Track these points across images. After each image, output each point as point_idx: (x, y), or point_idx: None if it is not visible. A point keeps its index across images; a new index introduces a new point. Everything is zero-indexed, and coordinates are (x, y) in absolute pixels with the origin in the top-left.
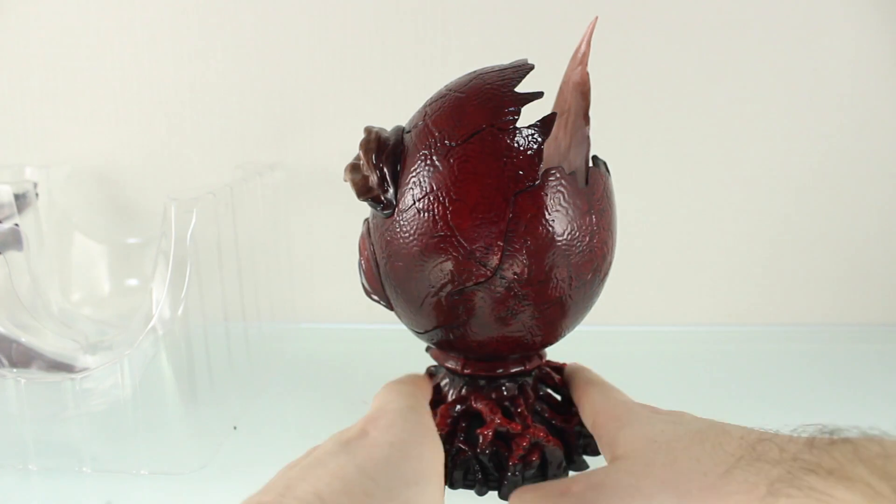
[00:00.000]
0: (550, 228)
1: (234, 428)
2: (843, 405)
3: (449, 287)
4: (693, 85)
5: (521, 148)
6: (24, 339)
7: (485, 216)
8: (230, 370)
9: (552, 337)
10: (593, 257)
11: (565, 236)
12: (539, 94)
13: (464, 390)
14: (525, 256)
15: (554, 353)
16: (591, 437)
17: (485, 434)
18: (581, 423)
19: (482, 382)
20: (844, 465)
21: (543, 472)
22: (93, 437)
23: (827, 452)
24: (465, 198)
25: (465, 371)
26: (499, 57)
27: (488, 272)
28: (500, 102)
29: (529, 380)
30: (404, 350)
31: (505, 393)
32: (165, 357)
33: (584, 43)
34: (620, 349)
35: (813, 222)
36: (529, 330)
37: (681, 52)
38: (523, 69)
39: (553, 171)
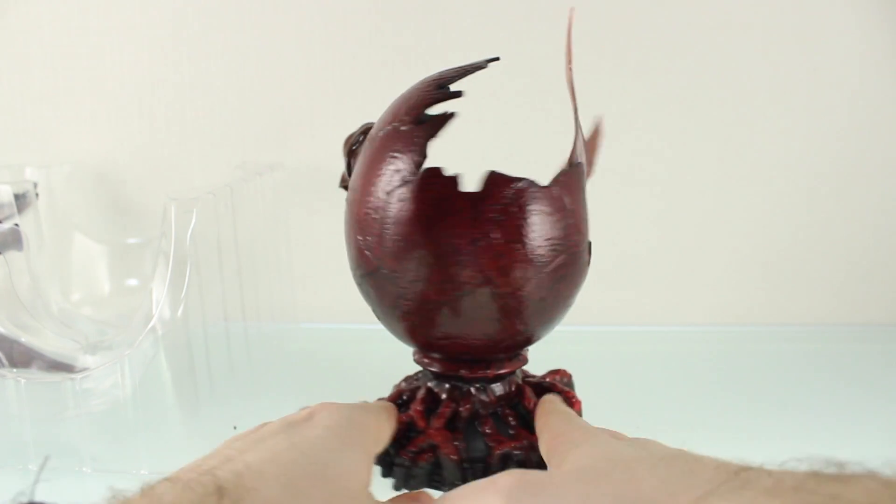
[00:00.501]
0: (421, 228)
1: (234, 428)
2: (843, 405)
3: (358, 273)
4: (695, 85)
5: (407, 146)
6: (24, 339)
7: (370, 210)
8: (230, 370)
9: (449, 343)
10: (480, 268)
11: (438, 238)
12: (454, 94)
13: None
14: (397, 253)
15: (553, 355)
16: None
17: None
18: (507, 447)
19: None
20: (876, 498)
21: (434, 476)
22: (93, 437)
23: (844, 484)
24: (363, 191)
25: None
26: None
27: (374, 264)
28: (410, 101)
29: (469, 387)
30: (404, 350)
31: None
32: (165, 357)
33: (567, 40)
34: (620, 349)
35: (813, 222)
36: (413, 330)
37: (683, 52)
38: (465, 69)
39: (433, 171)
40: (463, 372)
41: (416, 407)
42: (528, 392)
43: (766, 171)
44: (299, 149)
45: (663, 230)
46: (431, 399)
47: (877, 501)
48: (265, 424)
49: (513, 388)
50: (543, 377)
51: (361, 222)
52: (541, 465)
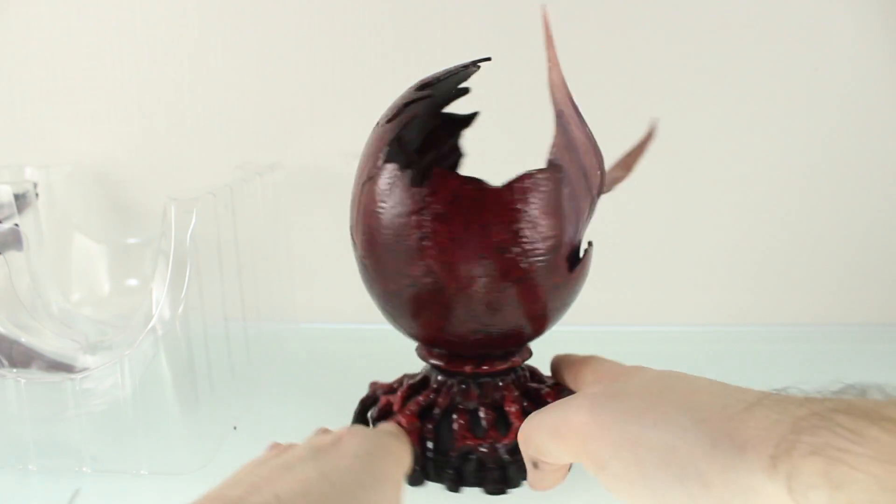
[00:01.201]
0: (378, 220)
1: (234, 428)
2: None
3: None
4: (691, 83)
5: (378, 143)
6: (24, 339)
7: (353, 200)
8: (230, 370)
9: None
10: (423, 257)
11: (392, 230)
12: (425, 95)
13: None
14: (366, 244)
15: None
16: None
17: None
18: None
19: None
20: (881, 407)
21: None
22: (93, 437)
23: (860, 397)
24: (354, 182)
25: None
26: (500, 55)
27: (358, 252)
28: (396, 101)
29: (454, 381)
30: (404, 350)
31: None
32: (165, 357)
33: (546, 40)
34: (620, 349)
35: (812, 222)
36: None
37: (679, 51)
38: (450, 70)
39: (390, 167)
40: (440, 364)
41: (401, 392)
42: (512, 394)
43: (762, 171)
44: (299, 149)
45: (660, 230)
46: (420, 388)
47: None
48: (290, 448)
49: (497, 388)
50: (542, 387)
51: (350, 211)
52: (502, 467)
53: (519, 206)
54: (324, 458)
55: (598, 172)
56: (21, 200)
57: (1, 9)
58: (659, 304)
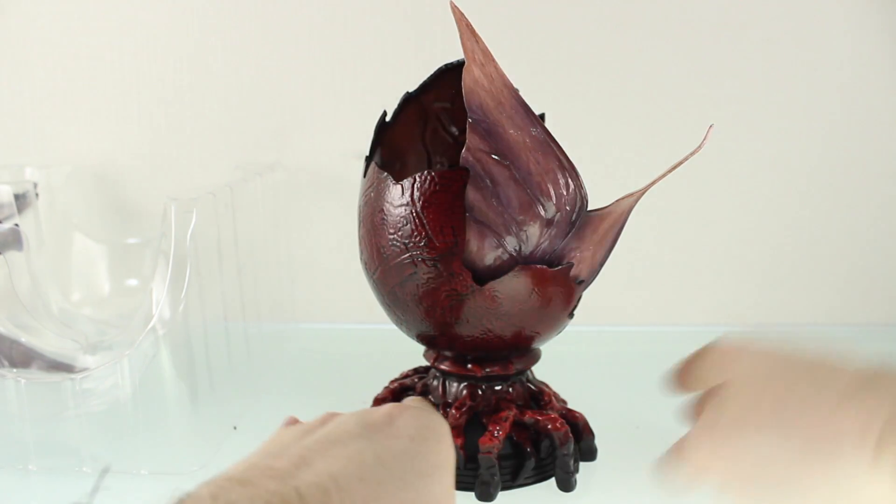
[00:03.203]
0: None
1: (234, 428)
2: None
3: None
4: (693, 83)
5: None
6: (24, 339)
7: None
8: (230, 370)
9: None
10: (364, 250)
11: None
12: (407, 98)
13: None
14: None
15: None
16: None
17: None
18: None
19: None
20: None
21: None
22: (93, 437)
23: None
24: None
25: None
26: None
27: None
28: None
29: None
30: (404, 350)
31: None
32: (165, 357)
33: (466, 37)
34: (620, 349)
35: (813, 222)
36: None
37: (681, 51)
38: (434, 74)
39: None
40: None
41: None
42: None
43: (766, 171)
44: (299, 149)
45: (663, 230)
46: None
47: None
48: (335, 416)
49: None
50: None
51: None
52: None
53: (414, 203)
54: (377, 438)
55: (560, 179)
56: (21, 200)
57: (1, 9)
58: (662, 304)
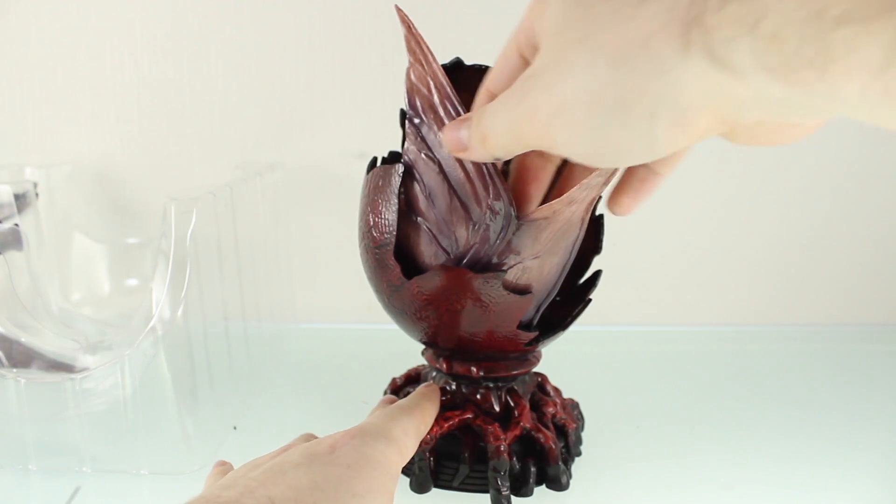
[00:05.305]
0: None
1: (234, 428)
2: (845, 405)
3: None
4: None
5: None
6: (24, 339)
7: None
8: (230, 370)
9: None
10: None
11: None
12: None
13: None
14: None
15: (554, 353)
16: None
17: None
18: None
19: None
20: None
21: None
22: (93, 437)
23: None
24: None
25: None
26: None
27: None
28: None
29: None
30: (404, 350)
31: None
32: (165, 357)
33: (411, 39)
34: (620, 349)
35: (815, 223)
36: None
37: None
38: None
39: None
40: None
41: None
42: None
43: (768, 172)
44: (299, 149)
45: (665, 230)
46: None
47: None
48: (287, 449)
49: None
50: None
51: None
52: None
53: (370, 194)
54: (317, 466)
55: (490, 186)
56: (21, 200)
57: (1, 9)
58: (664, 304)
